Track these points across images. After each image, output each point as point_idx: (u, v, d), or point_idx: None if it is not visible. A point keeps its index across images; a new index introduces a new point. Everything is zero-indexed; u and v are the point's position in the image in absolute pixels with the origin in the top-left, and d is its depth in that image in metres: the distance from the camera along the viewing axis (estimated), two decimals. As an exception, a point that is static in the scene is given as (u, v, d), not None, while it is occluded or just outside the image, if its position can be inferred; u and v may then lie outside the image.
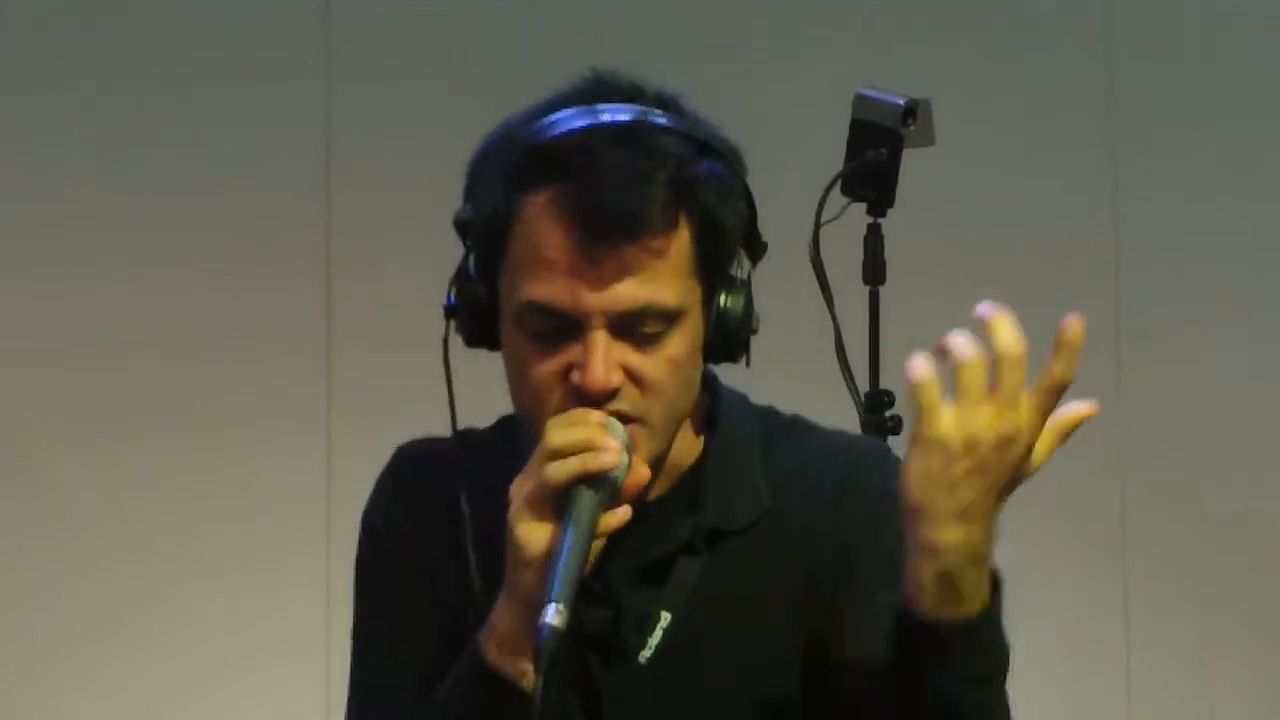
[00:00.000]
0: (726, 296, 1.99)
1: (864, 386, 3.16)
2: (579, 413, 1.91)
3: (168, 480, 4.76)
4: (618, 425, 1.91)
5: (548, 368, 1.95)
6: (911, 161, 3.02)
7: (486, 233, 1.99)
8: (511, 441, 2.02)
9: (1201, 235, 4.90)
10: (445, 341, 2.02)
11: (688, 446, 2.08)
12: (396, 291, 4.66)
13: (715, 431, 2.09)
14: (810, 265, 2.79)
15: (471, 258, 2.01)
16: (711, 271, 2.01)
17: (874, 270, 3.03)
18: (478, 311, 2.01)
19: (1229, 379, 4.95)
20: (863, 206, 3.03)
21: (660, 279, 1.95)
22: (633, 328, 1.95)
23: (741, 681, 2.07)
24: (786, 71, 4.04)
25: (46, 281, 4.85)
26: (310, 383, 4.76)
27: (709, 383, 2.08)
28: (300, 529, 4.76)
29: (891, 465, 2.02)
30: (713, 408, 2.09)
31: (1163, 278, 4.91)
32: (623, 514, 1.92)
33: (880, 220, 3.02)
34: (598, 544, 1.92)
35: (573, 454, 1.88)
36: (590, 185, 1.92)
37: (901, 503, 1.81)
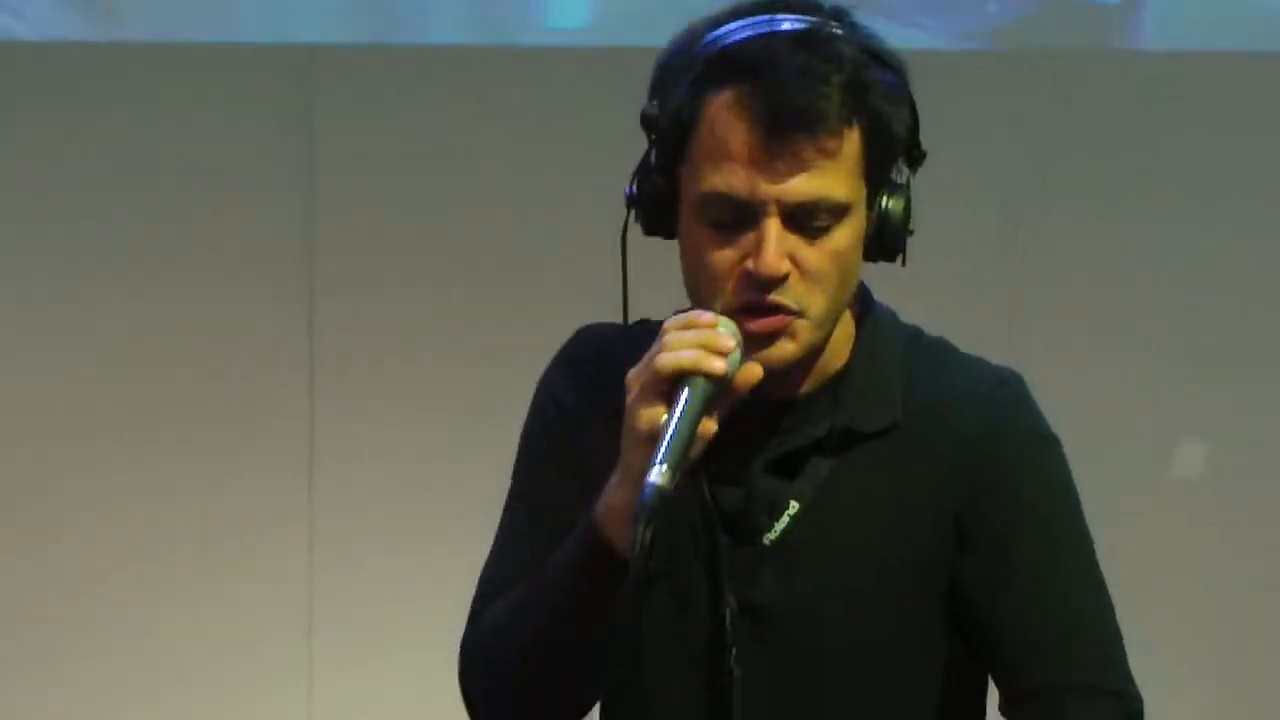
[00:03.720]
0: (888, 199, 2.07)
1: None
2: (695, 313, 1.98)
3: (157, 477, 4.91)
4: (730, 323, 1.97)
5: (724, 255, 2.02)
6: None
7: (671, 129, 2.05)
8: None
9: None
10: (624, 230, 2.08)
11: (837, 350, 2.13)
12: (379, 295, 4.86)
13: (862, 339, 2.15)
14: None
15: (654, 152, 2.07)
16: (877, 172, 2.07)
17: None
18: (658, 202, 2.07)
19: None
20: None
21: (833, 174, 2.01)
22: (804, 220, 2.02)
23: (854, 576, 2.13)
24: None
25: (49, 297, 5.01)
26: (293, 390, 4.90)
27: (863, 295, 2.15)
28: (283, 523, 4.89)
29: (1029, 408, 2.14)
30: (864, 318, 2.15)
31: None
32: (742, 389, 1.98)
33: None
34: (709, 426, 1.96)
35: (685, 349, 1.95)
36: (771, 85, 1.99)
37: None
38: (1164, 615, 4.97)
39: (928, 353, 2.17)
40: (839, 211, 2.03)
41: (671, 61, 2.07)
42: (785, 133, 1.97)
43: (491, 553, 2.20)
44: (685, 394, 1.92)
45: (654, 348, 1.98)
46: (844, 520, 2.12)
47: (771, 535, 2.09)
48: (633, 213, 2.12)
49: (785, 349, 2.04)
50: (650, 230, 2.10)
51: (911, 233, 2.08)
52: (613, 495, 2.01)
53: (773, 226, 2.00)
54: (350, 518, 4.83)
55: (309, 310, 5.05)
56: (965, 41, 5.16)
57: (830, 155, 2.01)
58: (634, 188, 2.11)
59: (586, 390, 2.18)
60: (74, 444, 4.98)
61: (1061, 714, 2.10)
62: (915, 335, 2.18)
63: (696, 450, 1.98)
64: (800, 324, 2.03)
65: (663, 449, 1.89)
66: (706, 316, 1.98)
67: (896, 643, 2.15)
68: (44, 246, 5.01)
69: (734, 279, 2.01)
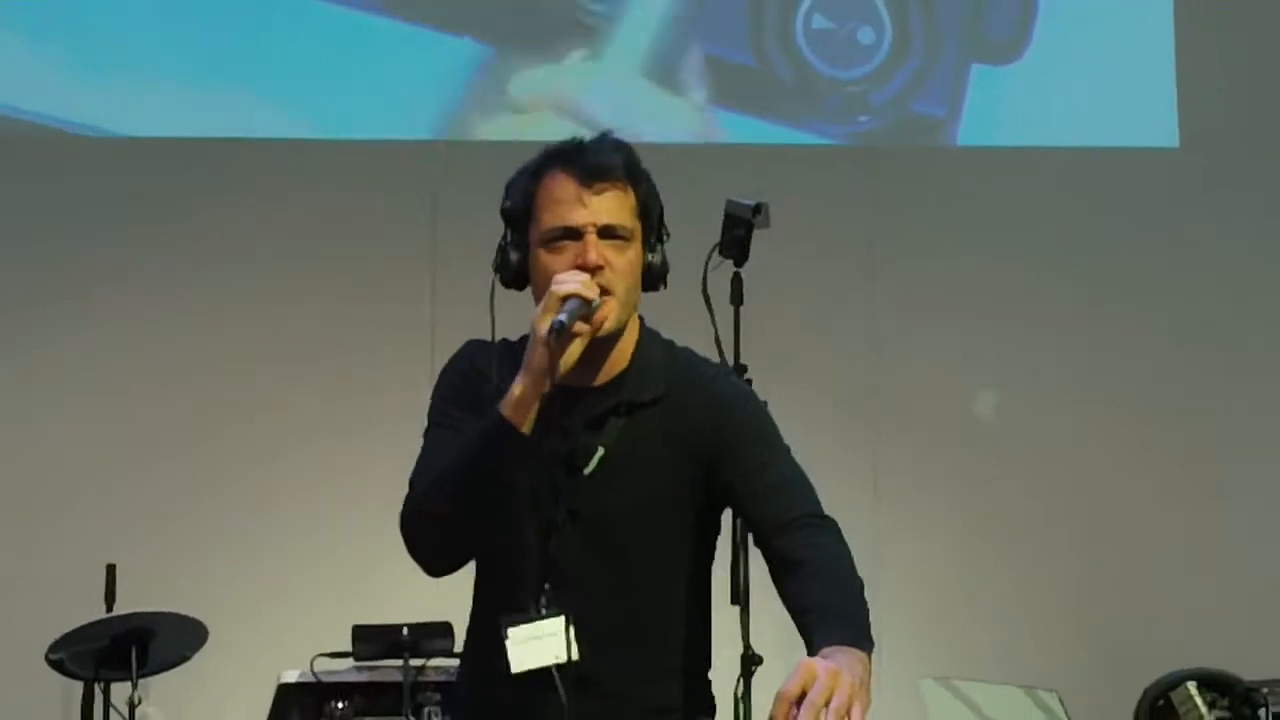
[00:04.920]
0: (652, 254, 2.65)
1: (731, 360, 3.34)
2: (574, 271, 2.55)
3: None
4: (592, 283, 2.54)
5: (563, 261, 2.58)
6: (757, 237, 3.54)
7: (520, 206, 2.63)
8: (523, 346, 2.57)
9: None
10: (493, 286, 2.64)
11: (622, 356, 2.66)
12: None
13: (638, 347, 2.67)
14: (702, 295, 3.18)
15: (509, 232, 2.65)
16: (646, 228, 2.65)
17: (737, 295, 3.45)
18: (512, 267, 2.65)
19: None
20: (731, 262, 3.48)
21: (620, 209, 2.60)
22: (609, 235, 2.58)
23: (647, 488, 2.64)
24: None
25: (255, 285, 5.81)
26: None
27: (641, 322, 2.69)
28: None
29: (737, 382, 2.77)
30: (638, 334, 2.69)
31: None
32: (589, 333, 2.52)
33: (739, 269, 3.47)
34: (573, 353, 2.49)
35: (572, 283, 2.51)
36: (581, 157, 2.60)
37: None
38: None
39: (678, 354, 2.72)
40: (627, 234, 2.59)
41: (514, 178, 2.67)
42: (593, 181, 2.57)
43: (417, 462, 2.66)
44: (568, 304, 2.50)
45: (551, 285, 2.51)
46: (633, 457, 2.62)
47: (589, 469, 2.60)
48: (497, 278, 2.65)
49: (607, 309, 2.56)
50: (507, 283, 2.66)
51: (665, 276, 2.65)
52: (514, 389, 2.53)
53: (592, 238, 2.57)
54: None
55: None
56: (841, 140, 6.04)
57: (621, 197, 2.59)
58: (496, 258, 2.66)
59: (476, 369, 2.68)
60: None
61: (807, 530, 2.56)
62: (670, 344, 2.72)
63: (573, 351, 2.51)
64: (612, 300, 2.57)
65: (562, 314, 2.48)
66: (583, 273, 2.52)
67: (665, 533, 2.66)
68: (260, 279, 5.82)
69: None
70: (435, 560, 2.62)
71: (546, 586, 2.57)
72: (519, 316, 2.60)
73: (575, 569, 2.58)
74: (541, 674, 2.53)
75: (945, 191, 6.11)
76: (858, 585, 2.51)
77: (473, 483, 2.52)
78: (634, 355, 2.66)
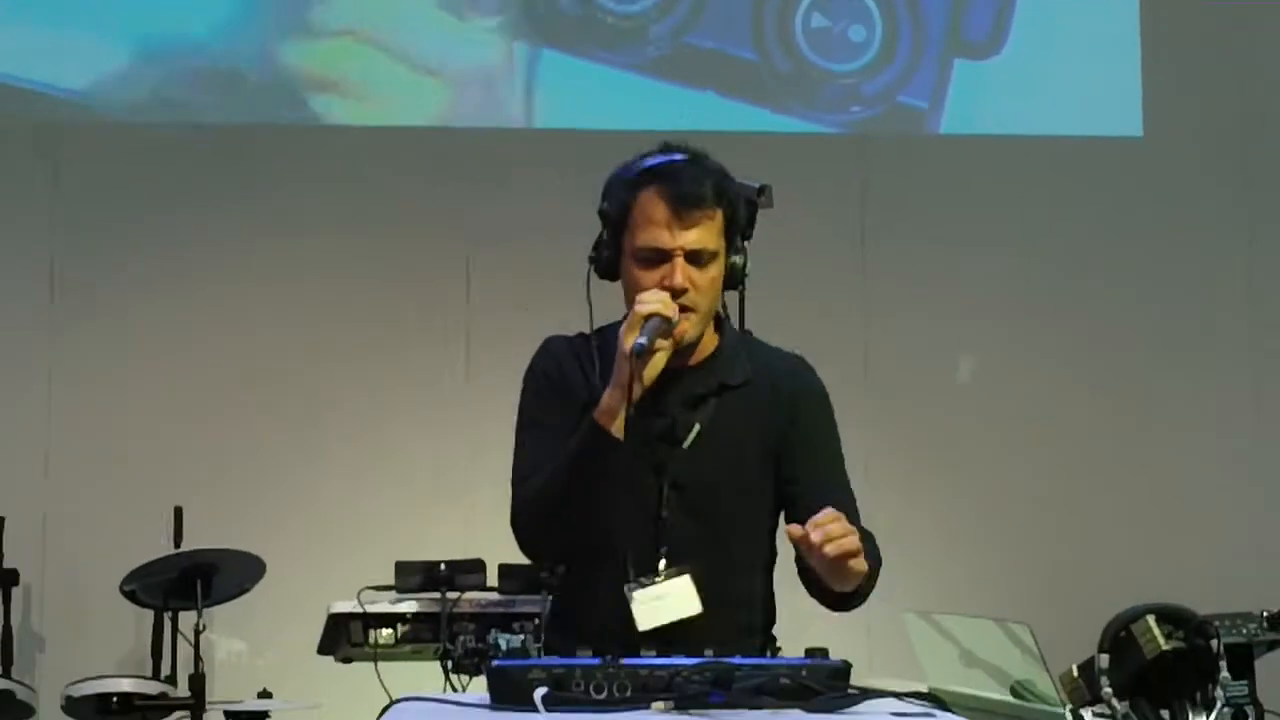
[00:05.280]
0: (735, 254, 2.64)
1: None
2: (656, 290, 2.55)
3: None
4: (672, 303, 2.54)
5: (651, 278, 2.58)
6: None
7: (616, 215, 2.63)
8: (614, 333, 2.60)
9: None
10: (588, 278, 2.66)
11: (709, 343, 2.68)
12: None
13: (722, 336, 2.69)
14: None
15: (605, 232, 2.66)
16: (731, 238, 2.63)
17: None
18: (607, 261, 2.65)
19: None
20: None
21: (709, 233, 2.58)
22: (694, 259, 2.57)
23: (737, 462, 2.64)
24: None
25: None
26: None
27: (719, 316, 2.69)
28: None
29: (814, 373, 2.72)
30: (720, 325, 2.70)
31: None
32: (670, 346, 2.52)
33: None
34: (657, 364, 2.49)
35: (654, 303, 2.52)
36: (675, 184, 2.57)
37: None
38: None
39: (752, 340, 2.78)
40: (713, 255, 2.58)
41: (614, 179, 2.64)
42: (686, 208, 2.56)
43: (516, 462, 2.65)
44: (651, 322, 2.52)
45: (635, 304, 2.52)
46: (724, 432, 2.63)
47: (687, 443, 2.62)
48: (592, 267, 2.65)
49: (686, 327, 2.57)
50: (602, 276, 2.65)
51: (748, 275, 2.65)
52: (605, 399, 2.53)
53: (679, 262, 2.56)
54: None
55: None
56: (834, 128, 6.06)
57: (709, 221, 2.57)
58: (593, 252, 2.65)
59: (560, 366, 2.68)
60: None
61: None
62: (745, 334, 2.81)
63: (656, 362, 2.51)
64: (694, 316, 2.58)
65: (643, 336, 2.50)
66: (663, 292, 2.53)
67: (750, 503, 2.67)
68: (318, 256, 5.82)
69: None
70: (544, 553, 2.69)
71: (664, 550, 2.57)
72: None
73: (678, 534, 2.59)
74: (651, 633, 2.53)
75: (928, 176, 6.10)
76: (874, 556, 2.54)
77: (576, 486, 2.54)
78: (720, 341, 2.67)
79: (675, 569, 2.56)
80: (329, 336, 5.80)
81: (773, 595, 2.72)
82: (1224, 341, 6.10)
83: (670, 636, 2.51)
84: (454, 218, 5.87)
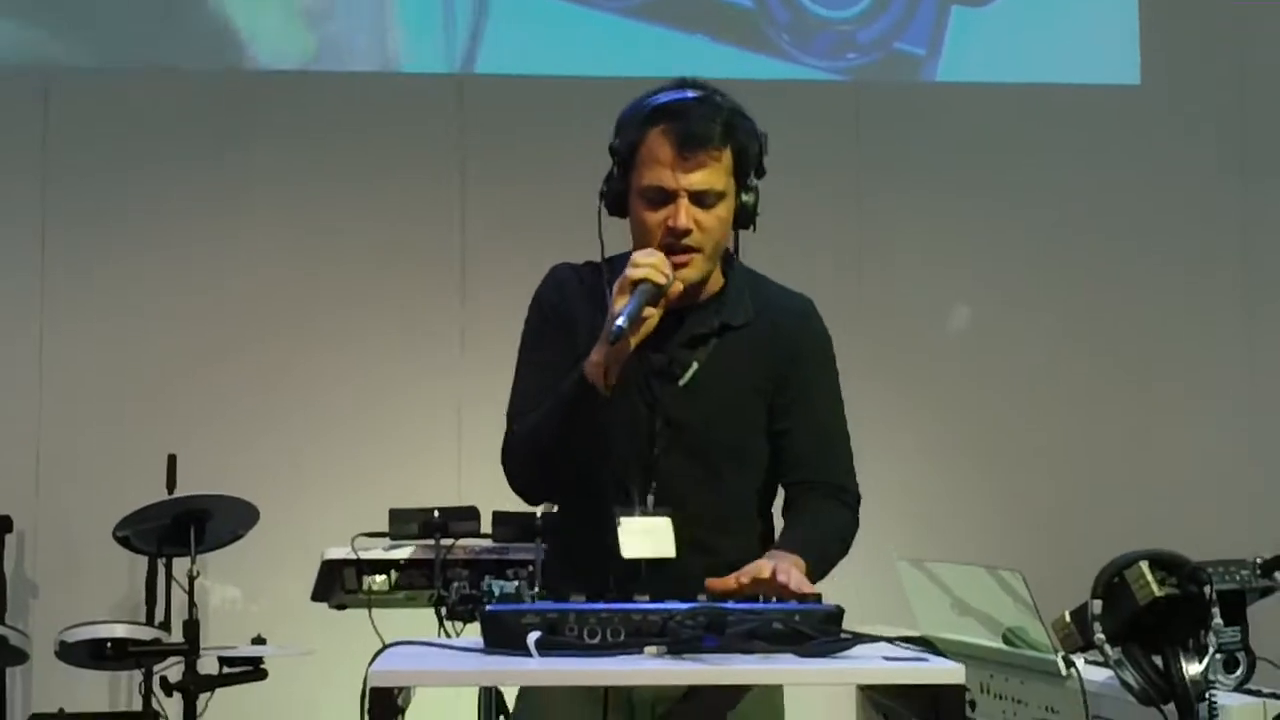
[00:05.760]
0: (745, 194, 2.59)
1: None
2: (651, 251, 2.51)
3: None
4: (665, 260, 2.49)
5: (656, 218, 2.55)
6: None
7: (626, 151, 2.59)
8: (624, 264, 2.55)
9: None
10: (599, 213, 2.62)
11: (715, 282, 2.66)
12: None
13: (730, 277, 2.66)
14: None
15: (615, 168, 2.62)
16: (740, 177, 2.58)
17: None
18: (616, 196, 2.62)
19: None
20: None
21: (715, 174, 2.53)
22: (700, 199, 2.54)
23: (732, 401, 2.64)
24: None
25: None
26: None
27: (727, 251, 2.65)
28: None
29: (818, 315, 2.69)
30: (727, 263, 2.67)
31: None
32: (660, 310, 2.49)
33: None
34: (653, 315, 2.45)
35: (644, 267, 2.47)
36: (683, 123, 2.52)
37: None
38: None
39: (762, 280, 2.71)
40: (719, 195, 2.54)
41: (625, 116, 2.62)
42: (690, 148, 2.52)
43: (513, 395, 2.66)
44: (640, 288, 2.47)
45: (627, 268, 2.47)
46: (722, 371, 2.62)
47: (684, 380, 2.60)
48: (603, 203, 2.62)
49: (689, 272, 2.55)
50: (612, 212, 2.63)
51: (759, 214, 2.58)
52: (594, 354, 2.50)
53: (684, 203, 2.53)
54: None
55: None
56: (831, 75, 6.04)
57: (715, 162, 2.53)
58: (603, 188, 2.62)
59: (565, 296, 2.66)
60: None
61: (826, 499, 2.65)
62: (753, 272, 2.70)
63: (644, 328, 2.46)
64: (698, 257, 2.56)
65: (623, 315, 2.44)
66: (658, 253, 2.49)
67: (749, 439, 2.66)
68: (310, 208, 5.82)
69: (661, 232, 2.54)
70: (532, 493, 2.67)
71: (654, 485, 2.57)
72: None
73: (671, 472, 2.59)
74: (642, 562, 2.54)
75: (924, 123, 6.10)
76: (834, 539, 2.59)
77: (564, 432, 2.54)
78: (727, 281, 2.65)
79: (662, 509, 2.56)
80: (323, 284, 5.80)
81: (772, 533, 2.70)
82: (1219, 286, 6.11)
83: (670, 572, 2.52)
84: (448, 165, 5.85)
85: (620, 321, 2.43)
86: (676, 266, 2.52)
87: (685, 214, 2.52)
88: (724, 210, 2.56)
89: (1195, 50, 6.17)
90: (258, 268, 5.80)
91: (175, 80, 5.87)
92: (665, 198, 2.53)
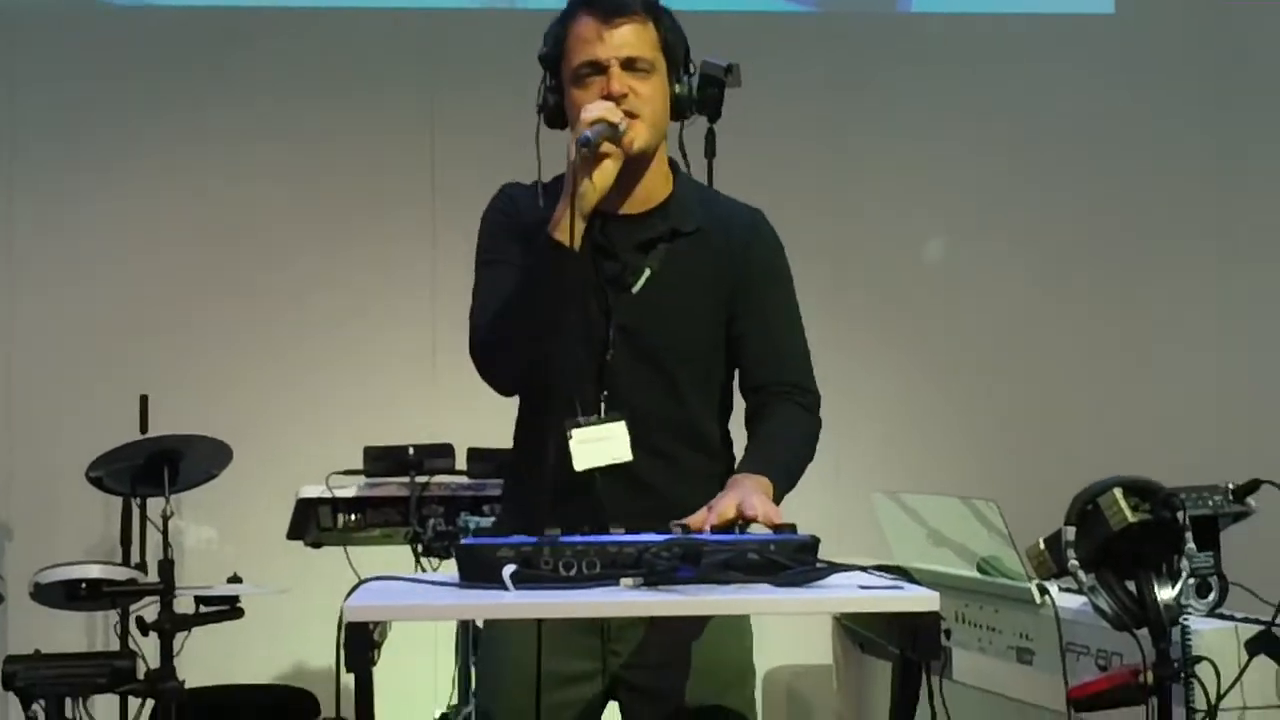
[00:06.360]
0: (677, 85, 2.64)
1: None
2: (600, 101, 2.54)
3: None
4: (615, 108, 2.52)
5: (591, 93, 2.58)
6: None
7: (553, 51, 2.63)
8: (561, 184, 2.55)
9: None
10: (537, 127, 2.65)
11: (661, 186, 2.66)
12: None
13: (676, 183, 2.68)
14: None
15: (546, 75, 2.64)
16: (670, 60, 2.61)
17: (711, 149, 3.06)
18: (550, 107, 2.65)
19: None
20: (705, 118, 3.05)
21: (641, 42, 2.59)
22: (631, 67, 2.57)
23: (686, 308, 2.64)
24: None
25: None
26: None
27: (673, 163, 2.69)
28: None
29: (769, 225, 2.71)
30: (675, 173, 2.69)
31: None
32: (619, 153, 2.49)
33: (713, 125, 3.11)
34: (607, 172, 2.46)
35: (598, 109, 2.50)
36: (602, 2, 2.59)
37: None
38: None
39: (710, 190, 2.76)
40: (649, 65, 2.58)
41: (550, 27, 2.66)
42: (612, 18, 2.57)
43: (474, 299, 2.62)
44: (596, 127, 2.48)
45: (581, 116, 2.49)
46: (674, 278, 2.62)
47: (636, 287, 2.62)
48: (541, 118, 2.64)
49: (636, 131, 2.54)
50: (550, 125, 2.65)
51: (696, 100, 2.64)
52: (557, 211, 2.50)
53: (615, 70, 2.56)
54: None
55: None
56: (800, 6, 6.00)
57: (639, 30, 2.58)
58: (539, 100, 2.65)
59: (519, 208, 2.66)
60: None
61: (787, 402, 2.66)
62: (701, 185, 2.74)
63: (604, 176, 2.47)
64: (639, 124, 2.54)
65: (589, 131, 2.46)
66: (606, 101, 2.51)
67: (702, 349, 2.67)
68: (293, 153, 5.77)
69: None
70: (506, 379, 2.61)
71: (605, 394, 2.57)
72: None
73: (625, 379, 2.59)
74: (595, 472, 2.54)
75: (897, 55, 6.07)
76: (799, 446, 2.59)
77: (533, 303, 2.50)
78: (674, 188, 2.65)
79: (614, 414, 2.56)
80: (295, 225, 5.78)
81: (731, 443, 2.70)
82: (1192, 216, 6.11)
83: (630, 478, 2.54)
84: (419, 105, 5.83)
85: (587, 133, 2.44)
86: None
87: (618, 80, 2.54)
88: (658, 83, 2.59)
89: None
90: (230, 209, 5.77)
91: (143, 16, 5.82)
92: (596, 70, 2.56)
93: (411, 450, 4.47)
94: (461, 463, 4.52)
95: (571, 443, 2.53)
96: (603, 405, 2.56)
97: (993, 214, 6.02)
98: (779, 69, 5.64)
